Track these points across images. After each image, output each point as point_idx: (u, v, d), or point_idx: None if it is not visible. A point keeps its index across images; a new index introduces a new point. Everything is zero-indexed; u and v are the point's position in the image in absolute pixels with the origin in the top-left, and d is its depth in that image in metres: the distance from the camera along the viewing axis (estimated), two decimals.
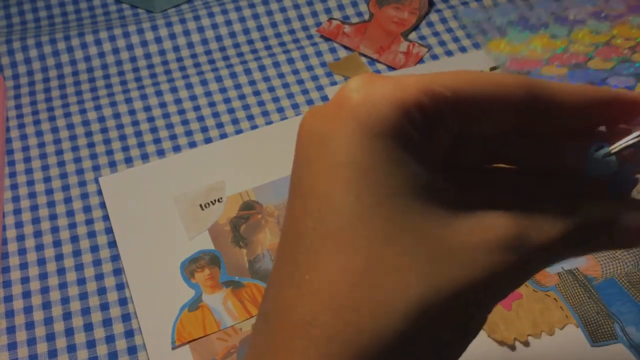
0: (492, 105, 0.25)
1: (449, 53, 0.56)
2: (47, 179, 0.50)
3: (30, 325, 0.43)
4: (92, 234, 0.47)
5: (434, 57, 0.56)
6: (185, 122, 0.53)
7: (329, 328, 0.22)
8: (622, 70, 0.50)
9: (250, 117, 0.53)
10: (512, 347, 0.41)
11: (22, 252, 0.46)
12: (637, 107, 0.27)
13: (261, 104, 0.53)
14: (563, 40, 0.53)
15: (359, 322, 0.22)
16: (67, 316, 0.43)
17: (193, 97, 0.54)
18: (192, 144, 0.51)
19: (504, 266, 0.24)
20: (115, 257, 0.46)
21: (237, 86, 0.54)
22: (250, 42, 0.57)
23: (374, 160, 0.24)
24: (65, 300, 0.44)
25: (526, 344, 0.41)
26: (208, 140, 0.51)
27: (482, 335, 0.41)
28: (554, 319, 0.42)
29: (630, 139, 0.26)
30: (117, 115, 0.53)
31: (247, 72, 0.55)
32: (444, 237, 0.24)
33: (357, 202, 0.24)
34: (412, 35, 0.57)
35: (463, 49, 0.56)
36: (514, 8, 0.56)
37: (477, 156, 0.28)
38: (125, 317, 0.43)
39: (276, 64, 0.56)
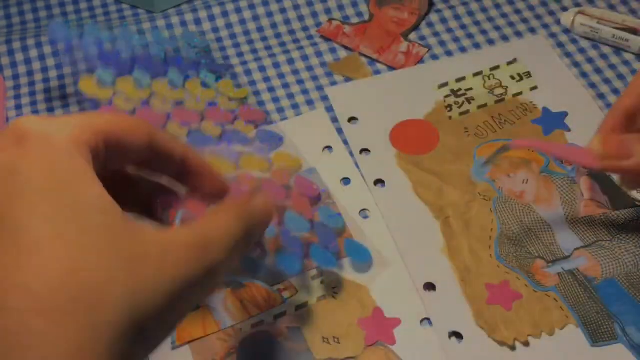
0: (125, 148, 0.30)
1: (449, 53, 0.56)
2: None
3: None
4: None
5: (434, 57, 0.56)
6: None
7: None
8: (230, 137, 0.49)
9: None
10: (512, 347, 0.41)
11: None
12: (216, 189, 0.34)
13: (261, 104, 0.53)
14: (145, 91, 0.51)
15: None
16: None
17: None
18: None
19: (204, 262, 0.28)
20: None
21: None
22: (251, 42, 0.57)
23: (62, 183, 0.26)
24: None
25: (526, 344, 0.41)
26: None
27: (482, 336, 0.41)
28: (554, 319, 0.42)
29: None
30: None
31: (247, 72, 0.55)
32: (144, 245, 0.27)
33: (49, 222, 0.25)
34: (412, 36, 0.57)
35: (463, 49, 0.56)
36: (104, 31, 0.53)
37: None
38: None
39: (276, 65, 0.56)
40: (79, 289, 0.24)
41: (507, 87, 0.53)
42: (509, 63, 0.54)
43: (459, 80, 0.53)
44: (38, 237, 0.25)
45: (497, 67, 0.54)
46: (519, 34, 0.57)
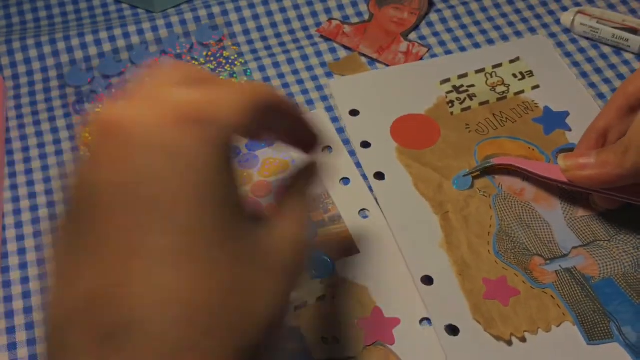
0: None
1: (449, 53, 0.56)
2: (46, 179, 0.50)
3: (30, 326, 0.43)
4: None
5: (434, 57, 0.56)
6: None
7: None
8: None
9: None
10: (509, 343, 0.41)
11: (21, 252, 0.46)
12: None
13: None
14: None
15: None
16: None
17: None
18: None
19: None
20: None
21: None
22: (250, 42, 0.57)
23: (214, 173, 0.26)
24: None
25: (522, 339, 0.41)
26: None
27: (479, 330, 0.41)
28: (550, 316, 0.42)
29: None
30: None
31: (247, 72, 0.55)
32: (259, 253, 0.28)
33: (198, 217, 0.25)
34: (412, 36, 0.57)
35: (463, 49, 0.56)
36: None
37: None
38: None
39: (276, 64, 0.56)
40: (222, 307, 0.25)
41: (509, 85, 0.53)
42: (512, 61, 0.54)
43: (461, 76, 0.53)
44: (158, 252, 0.25)
45: (499, 65, 0.54)
46: (518, 34, 0.57)
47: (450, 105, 0.52)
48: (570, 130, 0.50)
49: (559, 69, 0.54)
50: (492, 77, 0.53)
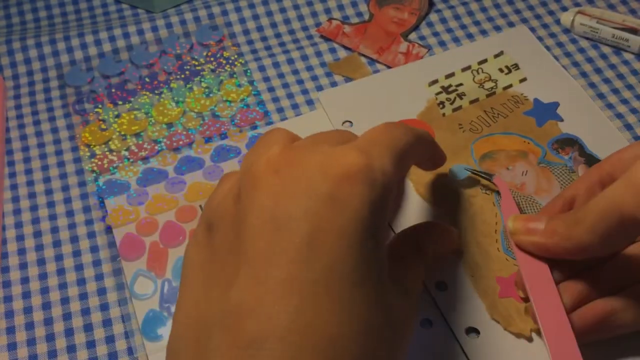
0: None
1: None
2: (46, 180, 0.50)
3: (30, 326, 0.43)
4: (92, 234, 0.47)
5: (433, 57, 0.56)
6: None
7: None
8: None
9: None
10: (530, 339, 0.41)
11: (21, 252, 0.46)
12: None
13: (261, 104, 0.53)
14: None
15: None
16: (67, 317, 0.43)
17: None
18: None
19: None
20: (115, 257, 0.46)
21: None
22: (250, 42, 0.57)
23: (370, 226, 0.30)
24: (65, 301, 0.44)
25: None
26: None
27: (498, 329, 0.41)
28: None
29: None
30: None
31: (247, 72, 0.55)
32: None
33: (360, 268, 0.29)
34: (412, 36, 0.57)
35: None
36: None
37: None
38: (126, 318, 0.43)
39: (276, 64, 0.56)
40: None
41: (496, 80, 0.53)
42: (496, 56, 0.54)
43: (448, 76, 0.53)
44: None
45: (484, 61, 0.54)
46: None
47: (441, 106, 0.52)
48: (562, 120, 0.50)
49: (544, 59, 0.54)
50: (478, 73, 0.53)
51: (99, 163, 0.50)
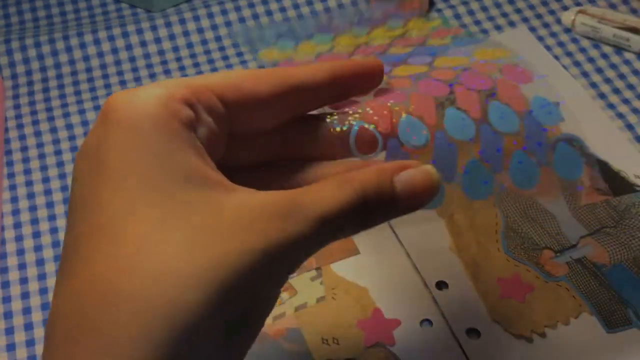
0: (262, 100, 0.29)
1: None
2: (45, 180, 0.50)
3: (29, 327, 0.43)
4: None
5: None
6: None
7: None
8: None
9: None
10: (530, 340, 0.40)
11: (20, 252, 0.46)
12: (375, 69, 0.33)
13: None
14: (327, 45, 0.51)
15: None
16: None
17: None
18: None
19: (284, 233, 0.26)
20: None
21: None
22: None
23: (140, 156, 0.26)
24: None
25: (543, 335, 0.41)
26: None
27: (498, 330, 0.41)
28: (568, 308, 0.42)
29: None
30: None
31: None
32: (219, 214, 0.26)
33: (122, 198, 0.26)
34: None
35: None
36: (284, 24, 0.56)
37: (255, 156, 0.32)
38: None
39: (275, 64, 0.55)
40: (147, 269, 0.24)
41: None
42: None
43: None
44: (112, 217, 0.25)
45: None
46: None
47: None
48: (563, 120, 0.50)
49: (544, 60, 0.54)
50: None
51: None
